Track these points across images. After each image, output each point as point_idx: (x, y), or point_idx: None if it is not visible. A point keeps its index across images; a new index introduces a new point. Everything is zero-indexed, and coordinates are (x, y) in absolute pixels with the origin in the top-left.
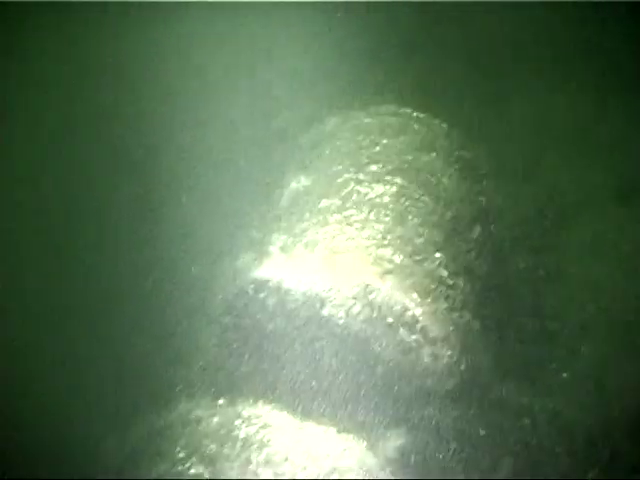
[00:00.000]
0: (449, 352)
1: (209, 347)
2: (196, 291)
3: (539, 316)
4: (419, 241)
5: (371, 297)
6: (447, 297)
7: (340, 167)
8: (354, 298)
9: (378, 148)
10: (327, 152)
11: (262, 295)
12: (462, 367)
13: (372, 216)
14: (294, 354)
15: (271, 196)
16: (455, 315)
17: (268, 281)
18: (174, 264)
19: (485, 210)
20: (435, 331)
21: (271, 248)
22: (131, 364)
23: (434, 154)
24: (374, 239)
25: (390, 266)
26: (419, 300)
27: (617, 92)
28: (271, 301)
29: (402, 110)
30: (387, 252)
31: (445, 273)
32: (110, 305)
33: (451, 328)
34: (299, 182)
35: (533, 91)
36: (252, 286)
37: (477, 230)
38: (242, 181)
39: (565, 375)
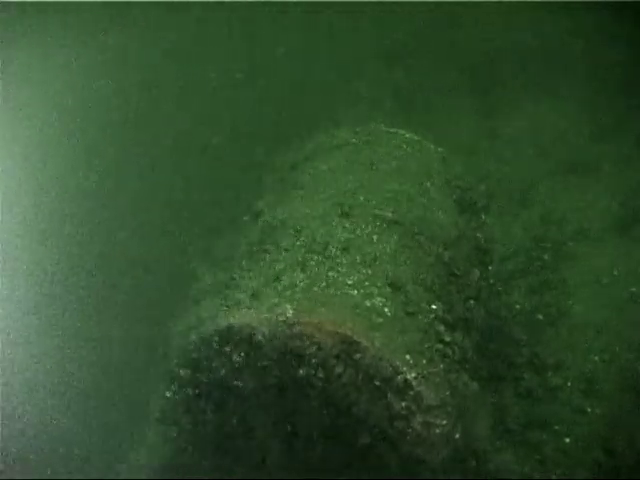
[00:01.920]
0: (444, 421)
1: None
2: (150, 337)
3: (539, 368)
4: (413, 289)
5: (356, 357)
6: (444, 357)
7: (323, 196)
8: (336, 357)
9: (367, 175)
10: (307, 177)
11: (228, 348)
12: (457, 435)
13: (359, 258)
14: (264, 420)
15: (240, 229)
16: (452, 377)
17: (236, 332)
18: (126, 301)
19: (483, 249)
20: (430, 398)
21: (240, 294)
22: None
23: (429, 183)
24: (361, 286)
25: (379, 320)
26: (412, 362)
27: (617, 109)
28: (239, 356)
29: (393, 131)
30: (377, 302)
31: (442, 328)
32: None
33: (447, 393)
34: (274, 212)
35: (527, 106)
36: (216, 337)
37: (476, 274)
38: (205, 208)
39: (568, 440)
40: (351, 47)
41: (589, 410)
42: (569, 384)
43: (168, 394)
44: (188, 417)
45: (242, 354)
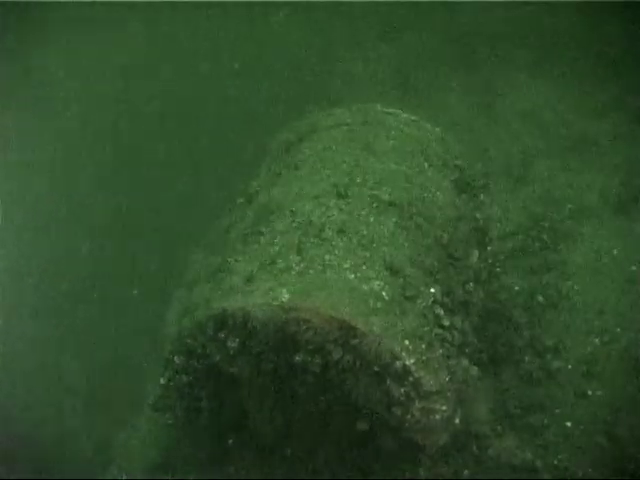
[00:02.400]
0: (444, 407)
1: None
2: (142, 321)
3: (539, 351)
4: (412, 272)
5: (354, 342)
6: (443, 341)
7: (318, 177)
8: (333, 342)
9: (363, 155)
10: (303, 157)
11: (222, 334)
12: (457, 420)
13: (356, 240)
14: (260, 406)
15: (234, 210)
16: (451, 362)
17: (230, 318)
18: (120, 287)
19: (482, 230)
20: (429, 384)
21: (234, 279)
22: None
23: (426, 164)
24: (358, 270)
25: (377, 304)
26: (411, 347)
27: (615, 85)
28: (233, 342)
29: (389, 111)
30: (374, 286)
31: (441, 312)
32: None
33: (447, 378)
34: (269, 194)
35: (523, 83)
36: (211, 323)
37: (475, 255)
38: (198, 188)
39: (570, 424)
40: (345, 24)
41: (590, 393)
42: (570, 367)
43: (162, 381)
44: (183, 404)
45: (237, 340)
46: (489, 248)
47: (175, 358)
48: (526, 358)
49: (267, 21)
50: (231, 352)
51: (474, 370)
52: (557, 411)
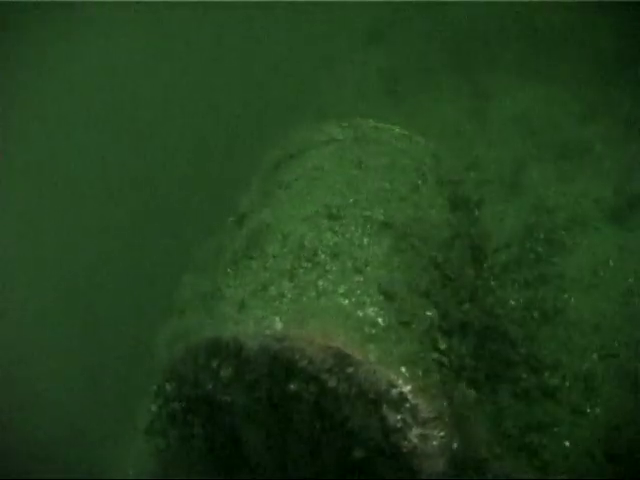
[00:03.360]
0: (441, 433)
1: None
2: (134, 348)
3: (536, 369)
4: (407, 296)
5: (349, 370)
6: (440, 366)
7: (310, 197)
8: (329, 371)
9: (355, 174)
10: (293, 176)
11: (215, 363)
12: (455, 445)
13: (350, 264)
14: (254, 433)
15: (224, 230)
16: (449, 387)
17: (223, 347)
18: (110, 308)
19: (477, 247)
20: (426, 410)
21: (226, 306)
22: None
23: (420, 181)
24: (353, 295)
25: (373, 331)
26: (408, 374)
27: (605, 88)
28: (226, 371)
29: (381, 126)
30: (369, 312)
31: (438, 335)
32: None
33: (444, 403)
34: (260, 215)
35: (513, 87)
36: (203, 352)
37: (470, 275)
38: (187, 205)
39: (568, 444)
40: (331, 27)
41: (588, 411)
42: (567, 384)
43: (154, 408)
44: (175, 429)
45: (230, 368)
46: (485, 265)
47: (167, 385)
48: (523, 376)
49: (252, 26)
50: (224, 380)
51: (471, 393)
52: (555, 430)
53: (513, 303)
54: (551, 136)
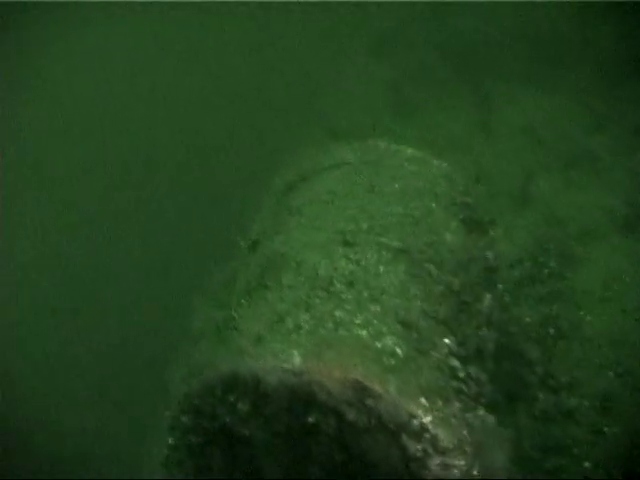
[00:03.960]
0: (462, 462)
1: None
2: (148, 380)
3: (554, 388)
4: (425, 324)
5: (369, 402)
6: (459, 393)
7: (323, 223)
8: (348, 403)
9: (368, 198)
10: (305, 201)
11: (232, 397)
12: (475, 472)
13: (366, 293)
14: (274, 466)
15: (236, 256)
16: (469, 415)
17: (240, 382)
18: (122, 338)
19: (492, 268)
20: (447, 440)
21: (241, 339)
22: None
23: (434, 204)
24: (370, 325)
25: (392, 362)
26: (428, 404)
27: (613, 96)
28: (244, 405)
29: (394, 148)
30: (388, 342)
31: (456, 363)
32: None
33: (464, 432)
34: (273, 242)
35: (519, 96)
36: (220, 386)
37: (487, 298)
38: (196, 228)
39: (588, 465)
40: (336, 42)
41: (607, 430)
42: (585, 403)
43: (170, 441)
44: (193, 461)
45: (248, 403)
46: (500, 286)
47: (183, 418)
48: (540, 396)
49: (256, 39)
50: (242, 414)
51: (491, 419)
52: (575, 451)
53: (528, 320)
54: (559, 146)
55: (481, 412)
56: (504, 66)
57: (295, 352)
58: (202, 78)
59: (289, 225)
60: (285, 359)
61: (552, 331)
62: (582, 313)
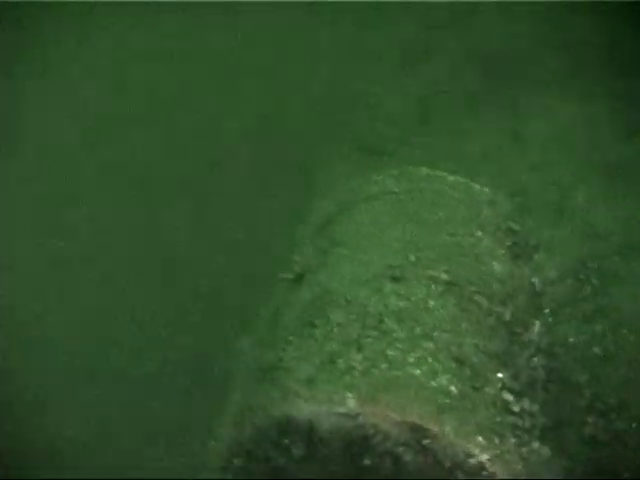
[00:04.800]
0: None
1: None
2: (197, 422)
3: (602, 411)
4: (477, 359)
5: (426, 443)
6: (514, 428)
7: (369, 257)
8: (404, 445)
9: (413, 229)
10: (348, 233)
11: (286, 441)
12: None
13: (418, 330)
14: None
15: (279, 291)
16: (524, 449)
17: (294, 426)
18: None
19: (538, 294)
20: (503, 476)
21: (293, 378)
22: None
23: (480, 232)
24: (424, 364)
25: (447, 400)
26: (484, 442)
27: None
28: (298, 449)
29: (436, 174)
30: (442, 381)
31: (510, 397)
32: None
33: (520, 467)
34: (317, 277)
35: (549, 104)
36: (273, 430)
37: (536, 326)
38: (237, 271)
39: None
40: (361, 50)
41: None
42: (634, 425)
43: None
44: None
45: (302, 447)
46: (546, 311)
47: (235, 461)
48: (589, 420)
49: (278, 52)
50: (296, 457)
51: (545, 450)
52: (626, 476)
53: (572, 340)
54: (593, 156)
55: (536, 445)
56: (535, 76)
57: (349, 394)
58: (220, 97)
59: (333, 258)
60: (339, 402)
61: (597, 350)
62: (626, 332)
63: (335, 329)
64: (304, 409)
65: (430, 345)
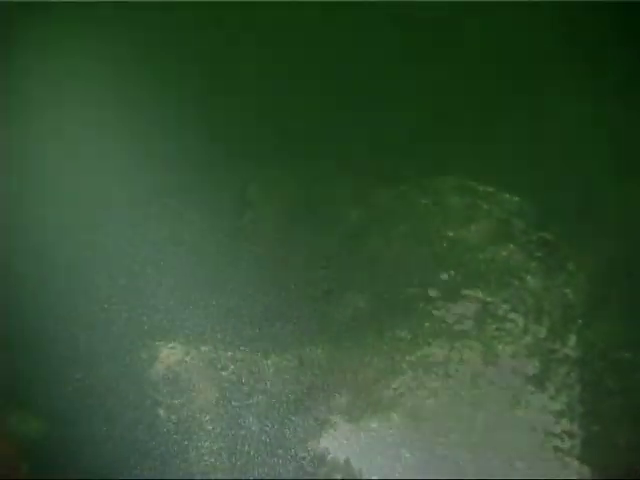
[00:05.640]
0: None
1: None
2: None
3: (635, 419)
4: (515, 382)
5: None
6: (555, 450)
7: (401, 276)
8: None
9: (445, 245)
10: (379, 250)
11: (325, 469)
12: None
13: (455, 354)
14: None
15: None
16: (565, 471)
17: (331, 459)
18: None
19: (572, 305)
20: None
21: (330, 414)
22: None
23: (512, 245)
24: (463, 390)
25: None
26: (525, 467)
27: None
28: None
29: (465, 185)
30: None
31: (550, 418)
32: None
33: None
34: (355, 302)
35: (573, 103)
36: (312, 463)
37: (572, 340)
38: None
39: None
40: (369, 47)
41: None
42: None
43: None
44: None
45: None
46: (579, 321)
47: None
48: (623, 428)
49: (295, 71)
50: None
51: (585, 469)
52: None
53: (602, 345)
54: (619, 154)
55: (576, 465)
56: (554, 72)
57: (387, 425)
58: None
59: (365, 284)
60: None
61: (627, 355)
62: None
63: (373, 356)
64: (342, 443)
65: (468, 369)
